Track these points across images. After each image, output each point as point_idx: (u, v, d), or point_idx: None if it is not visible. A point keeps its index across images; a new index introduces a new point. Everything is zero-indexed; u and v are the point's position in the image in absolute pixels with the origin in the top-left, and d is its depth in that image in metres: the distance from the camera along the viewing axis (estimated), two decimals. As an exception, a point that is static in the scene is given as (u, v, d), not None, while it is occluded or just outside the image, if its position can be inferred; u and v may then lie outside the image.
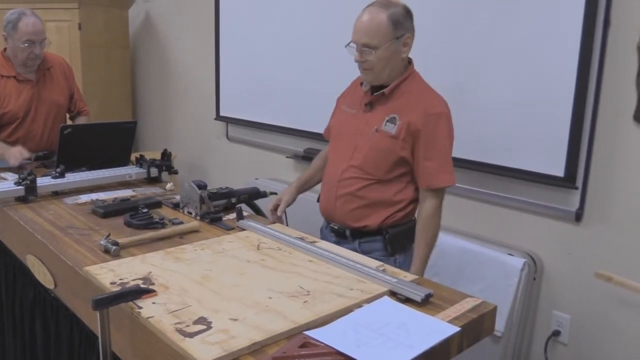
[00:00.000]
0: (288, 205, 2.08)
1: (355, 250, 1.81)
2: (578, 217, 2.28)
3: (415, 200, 1.92)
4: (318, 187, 2.14)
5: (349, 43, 1.85)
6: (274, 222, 2.00)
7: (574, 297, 2.35)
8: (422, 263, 1.85)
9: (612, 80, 2.15)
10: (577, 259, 2.32)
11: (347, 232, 1.94)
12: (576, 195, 2.28)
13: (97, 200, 2.16)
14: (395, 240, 1.90)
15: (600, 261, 2.23)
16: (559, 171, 2.27)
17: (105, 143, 2.60)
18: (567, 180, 2.26)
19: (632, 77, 2.09)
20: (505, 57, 2.39)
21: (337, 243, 1.87)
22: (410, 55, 1.90)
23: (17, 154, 2.69)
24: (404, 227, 1.92)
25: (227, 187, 2.16)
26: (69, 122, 3.17)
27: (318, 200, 2.08)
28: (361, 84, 1.96)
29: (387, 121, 1.84)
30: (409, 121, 1.80)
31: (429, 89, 1.89)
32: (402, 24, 1.80)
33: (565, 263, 2.36)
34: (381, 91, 1.86)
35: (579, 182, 2.25)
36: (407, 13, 1.82)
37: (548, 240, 2.40)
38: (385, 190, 1.87)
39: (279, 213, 2.04)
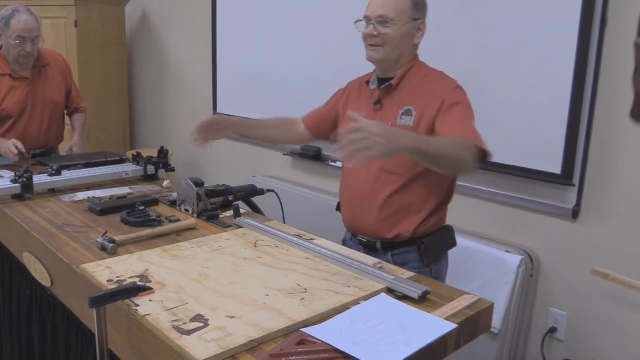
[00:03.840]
0: (213, 124, 1.97)
1: (388, 262, 1.68)
2: (575, 214, 2.29)
3: (446, 203, 1.82)
4: (336, 191, 2.01)
5: (360, 20, 1.76)
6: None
7: (570, 294, 2.36)
8: (420, 136, 1.55)
9: (609, 78, 2.16)
10: (574, 256, 2.32)
11: (378, 245, 1.80)
12: (573, 193, 2.28)
13: (93, 197, 2.15)
14: (430, 250, 1.77)
15: (597, 258, 2.23)
16: (556, 168, 2.28)
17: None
18: (564, 178, 2.27)
19: (629, 75, 2.09)
20: (503, 55, 2.39)
21: None
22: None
23: (8, 149, 2.69)
24: (438, 235, 1.81)
25: (224, 185, 2.16)
26: (67, 120, 3.17)
27: (337, 209, 1.98)
28: (367, 82, 1.87)
29: (402, 114, 1.73)
30: (428, 105, 1.69)
31: (438, 72, 1.79)
32: (421, 8, 1.75)
33: (562, 260, 2.37)
34: (388, 83, 1.77)
35: (576, 180, 2.26)
36: (425, 1, 1.77)
37: (545, 238, 2.40)
38: (414, 192, 1.74)
39: (202, 121, 1.91)
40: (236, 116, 3.82)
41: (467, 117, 1.67)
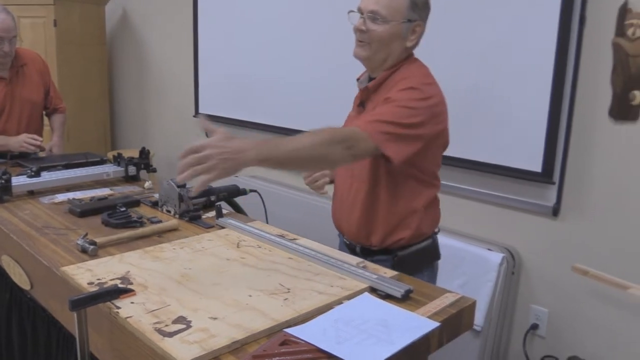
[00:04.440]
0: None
1: None
2: (555, 212, 2.31)
3: (426, 215, 1.71)
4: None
5: (353, 11, 1.65)
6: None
7: (551, 291, 2.38)
8: (262, 149, 1.31)
9: (587, 76, 2.18)
10: (554, 254, 2.35)
11: (358, 249, 1.77)
12: (553, 191, 2.31)
13: (73, 199, 2.13)
14: (404, 262, 1.68)
15: (576, 255, 2.26)
16: (536, 167, 2.30)
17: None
18: (545, 176, 2.29)
19: (607, 74, 2.12)
20: (483, 53, 2.41)
21: None
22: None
23: (23, 143, 2.70)
24: (415, 248, 1.72)
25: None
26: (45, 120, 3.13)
27: None
28: (358, 79, 1.78)
29: None
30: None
31: (418, 72, 1.65)
32: (420, 9, 1.62)
33: (542, 257, 2.39)
34: (365, 86, 1.68)
35: (556, 177, 2.28)
36: (427, 3, 1.66)
37: (526, 235, 2.43)
38: (379, 199, 1.66)
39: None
40: (225, 118, 3.81)
41: (387, 112, 1.51)
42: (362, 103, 1.73)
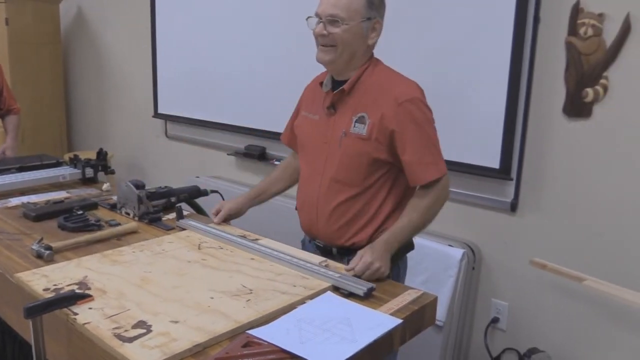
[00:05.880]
0: (231, 216, 1.92)
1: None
2: (513, 207, 2.36)
3: (404, 203, 1.72)
4: (294, 193, 1.93)
5: (311, 17, 1.66)
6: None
7: (510, 285, 2.43)
8: (394, 234, 1.61)
9: (542, 75, 2.23)
10: (513, 248, 2.40)
11: (334, 250, 1.75)
12: (511, 187, 2.35)
13: (28, 203, 2.07)
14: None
15: (534, 249, 2.31)
16: (494, 163, 2.34)
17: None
18: (503, 172, 2.33)
19: (561, 72, 2.17)
20: (440, 53, 2.44)
21: None
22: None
23: None
24: None
25: (166, 186, 2.12)
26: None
27: (296, 208, 1.89)
28: (320, 84, 1.77)
29: (356, 121, 1.65)
30: (381, 116, 1.61)
31: (395, 74, 1.70)
32: (376, 6, 1.64)
33: (502, 252, 2.44)
34: (340, 88, 1.68)
35: (514, 174, 2.32)
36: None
37: (485, 231, 2.47)
38: (368, 199, 1.68)
39: (216, 221, 1.89)
40: (186, 118, 3.75)
41: (427, 144, 1.64)
42: (332, 105, 1.72)
